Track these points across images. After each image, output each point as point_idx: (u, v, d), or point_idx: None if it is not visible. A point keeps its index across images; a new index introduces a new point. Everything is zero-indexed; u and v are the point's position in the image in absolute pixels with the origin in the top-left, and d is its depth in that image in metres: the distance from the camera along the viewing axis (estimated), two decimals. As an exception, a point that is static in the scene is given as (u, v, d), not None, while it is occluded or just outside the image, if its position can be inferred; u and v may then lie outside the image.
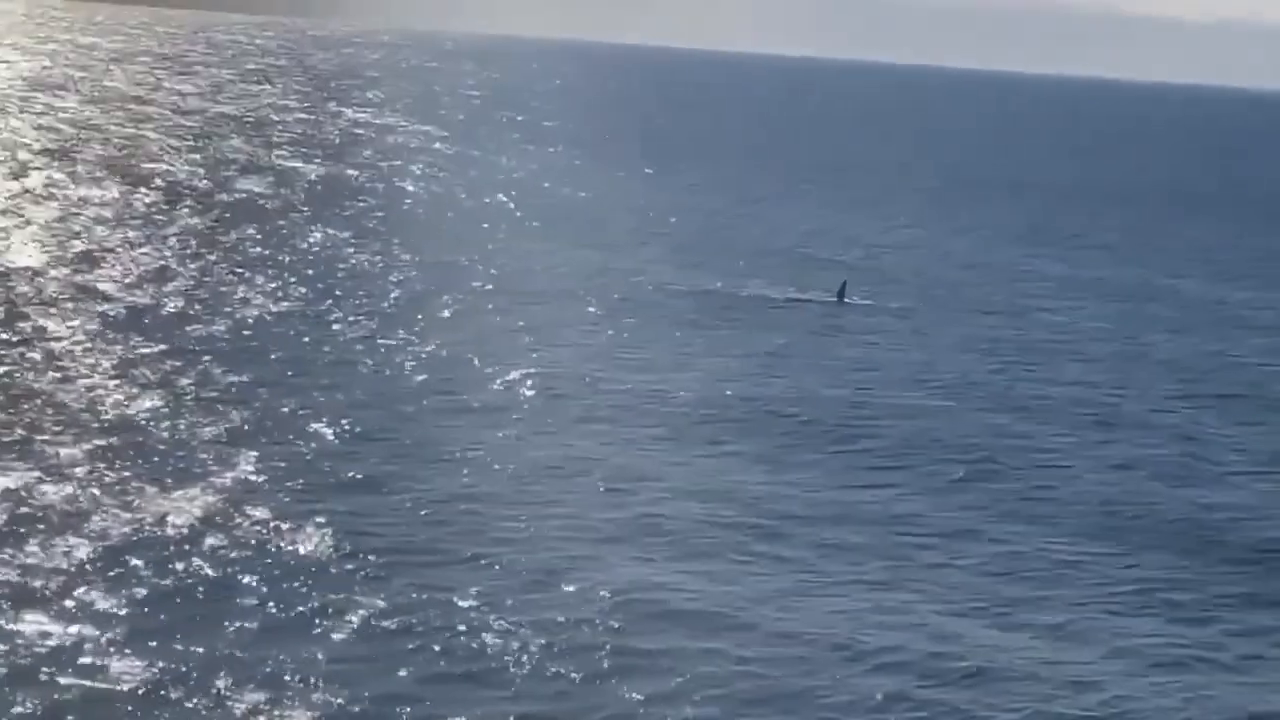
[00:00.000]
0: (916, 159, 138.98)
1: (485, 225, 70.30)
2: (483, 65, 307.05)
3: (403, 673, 22.84)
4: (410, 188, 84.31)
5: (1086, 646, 25.89)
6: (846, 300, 57.02)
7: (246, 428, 34.00)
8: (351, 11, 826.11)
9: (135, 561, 25.78)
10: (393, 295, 51.49)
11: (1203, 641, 26.58)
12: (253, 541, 27.16)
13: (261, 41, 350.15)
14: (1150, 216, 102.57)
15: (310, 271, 54.31)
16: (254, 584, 25.36)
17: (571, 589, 26.40)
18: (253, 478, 30.63)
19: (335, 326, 45.93)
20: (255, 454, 32.01)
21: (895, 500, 33.45)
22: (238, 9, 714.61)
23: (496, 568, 27.14)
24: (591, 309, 52.55)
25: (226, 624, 23.76)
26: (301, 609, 24.57)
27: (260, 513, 28.47)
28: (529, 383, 40.52)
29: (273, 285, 50.88)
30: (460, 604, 25.26)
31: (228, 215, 65.95)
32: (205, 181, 76.63)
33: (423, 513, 29.72)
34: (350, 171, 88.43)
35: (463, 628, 24.40)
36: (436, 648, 23.74)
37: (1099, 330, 56.24)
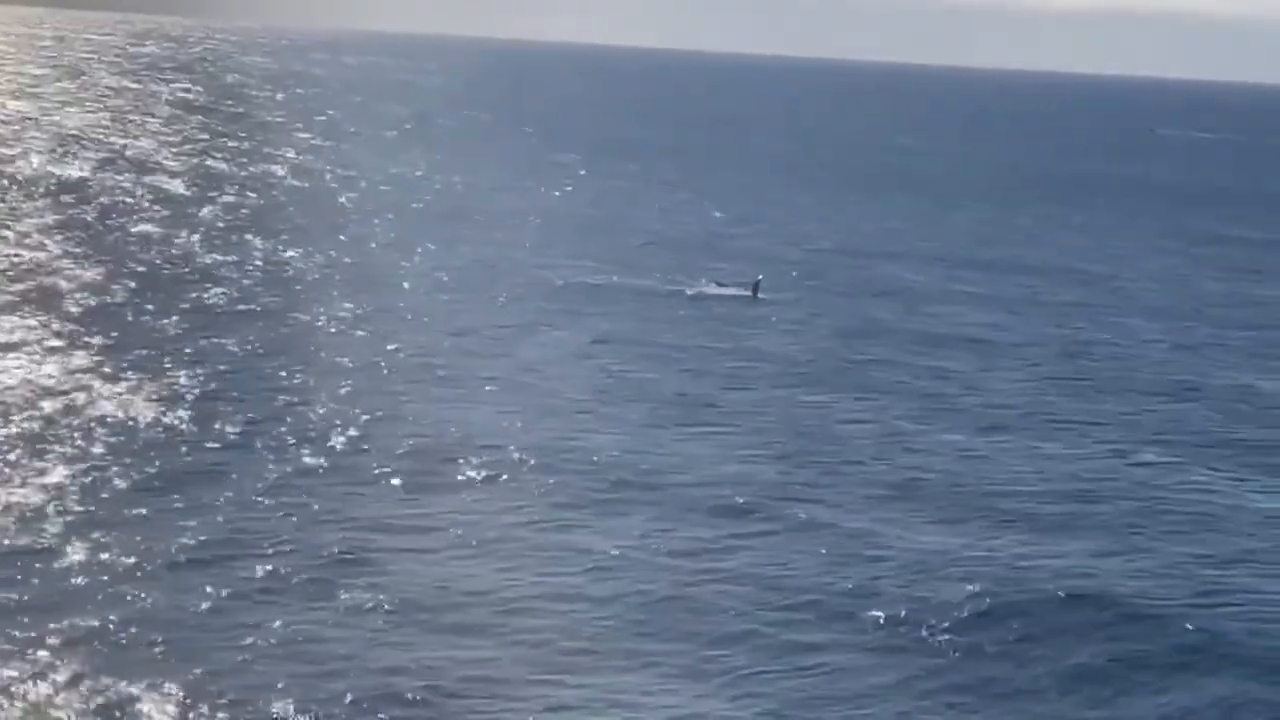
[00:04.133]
0: (835, 154, 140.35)
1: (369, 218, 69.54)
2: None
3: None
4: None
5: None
6: (760, 296, 56.85)
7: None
8: (224, 10, 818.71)
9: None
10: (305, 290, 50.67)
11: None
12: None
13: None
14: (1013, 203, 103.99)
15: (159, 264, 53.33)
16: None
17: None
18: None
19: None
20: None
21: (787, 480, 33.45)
22: (100, 6, 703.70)
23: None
24: (493, 301, 52.14)
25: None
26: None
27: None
28: (401, 368, 40.49)
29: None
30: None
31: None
32: None
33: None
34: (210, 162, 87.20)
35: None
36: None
37: (1004, 320, 56.41)
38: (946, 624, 25.09)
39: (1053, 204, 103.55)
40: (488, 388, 39.54)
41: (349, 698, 21.41)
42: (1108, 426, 40.35)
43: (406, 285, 53.79)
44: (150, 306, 46.47)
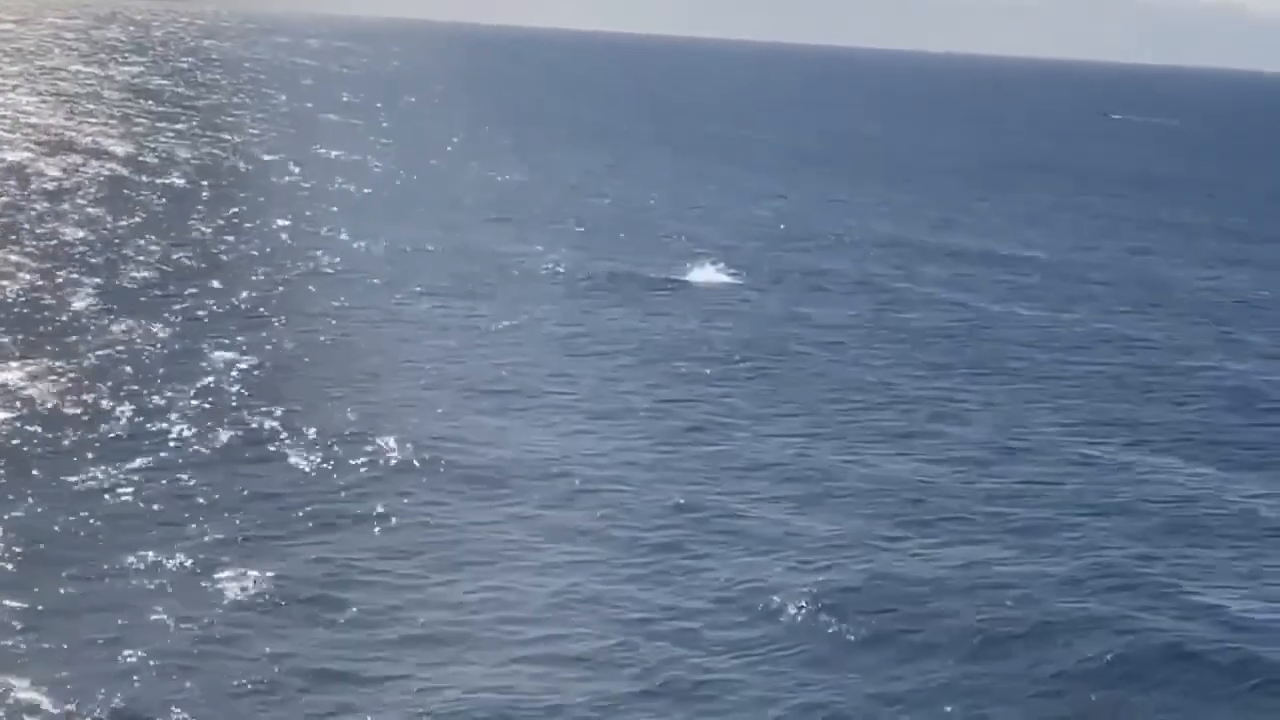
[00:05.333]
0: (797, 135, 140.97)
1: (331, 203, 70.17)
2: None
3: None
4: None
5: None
6: (740, 280, 58.13)
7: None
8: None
9: None
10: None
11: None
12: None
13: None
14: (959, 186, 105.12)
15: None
16: None
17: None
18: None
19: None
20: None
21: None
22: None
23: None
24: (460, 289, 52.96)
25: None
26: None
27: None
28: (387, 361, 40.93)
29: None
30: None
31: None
32: None
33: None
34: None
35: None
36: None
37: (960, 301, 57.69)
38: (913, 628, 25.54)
39: (991, 189, 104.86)
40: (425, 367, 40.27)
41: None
42: (1041, 413, 41.24)
43: (347, 275, 54.09)
44: (75, 289, 47.18)
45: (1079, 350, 50.38)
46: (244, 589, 25.12)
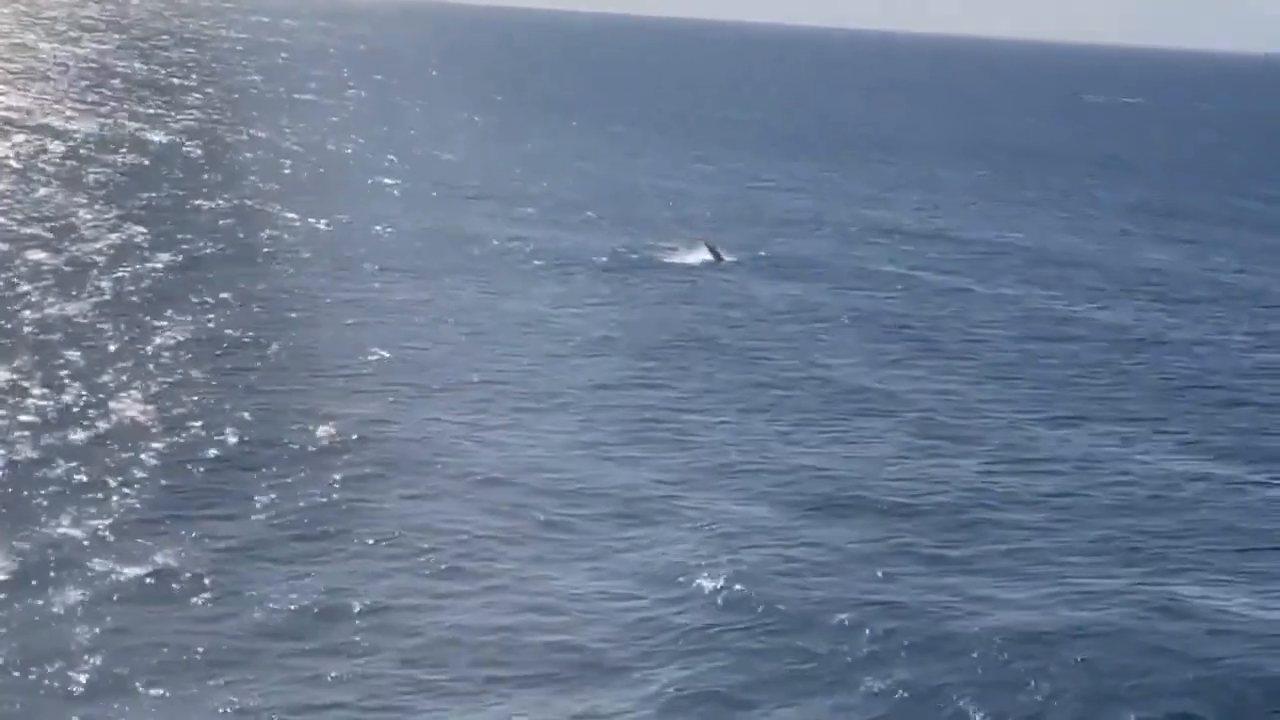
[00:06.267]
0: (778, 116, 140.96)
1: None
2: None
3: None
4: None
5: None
6: (724, 259, 58.52)
7: None
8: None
9: None
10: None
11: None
12: None
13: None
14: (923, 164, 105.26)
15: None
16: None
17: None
18: None
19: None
20: None
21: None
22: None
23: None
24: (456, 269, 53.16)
25: None
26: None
27: None
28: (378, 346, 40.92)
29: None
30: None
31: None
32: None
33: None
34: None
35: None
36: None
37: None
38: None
39: (951, 169, 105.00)
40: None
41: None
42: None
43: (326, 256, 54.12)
44: (10, 266, 47.07)
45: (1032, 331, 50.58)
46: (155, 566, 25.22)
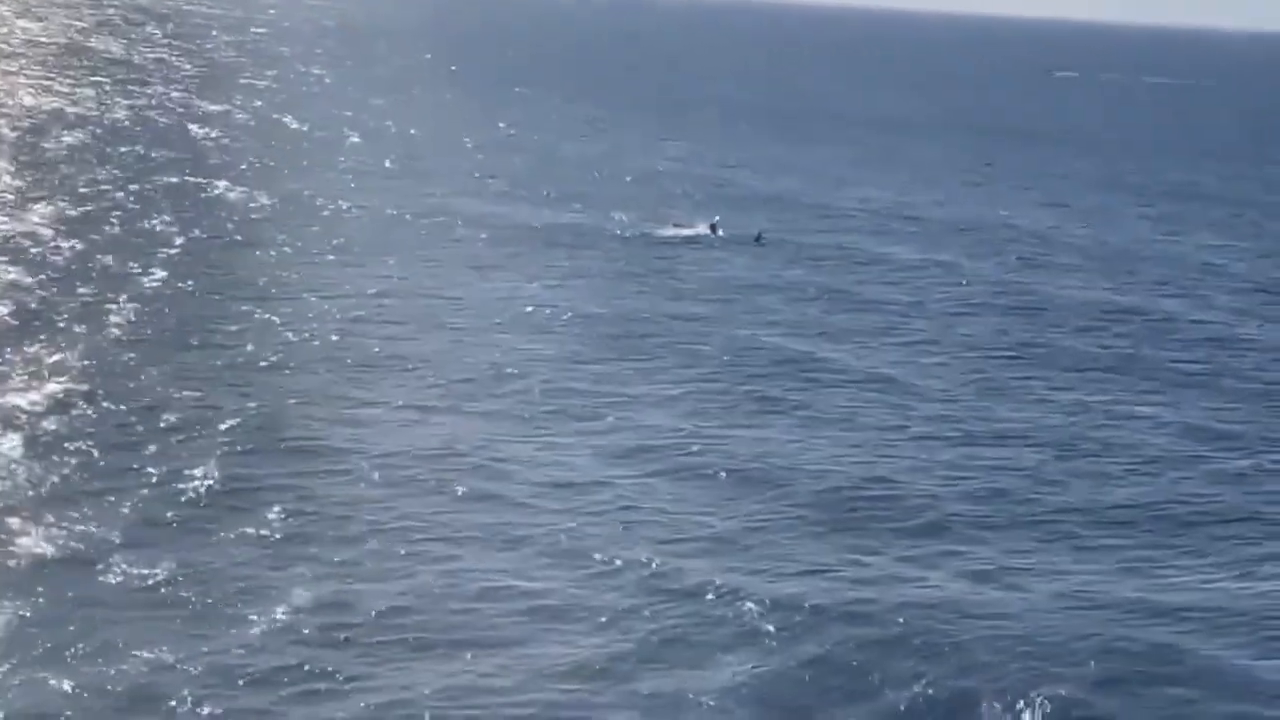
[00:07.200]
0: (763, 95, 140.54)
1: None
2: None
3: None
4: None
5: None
6: (720, 234, 59.28)
7: None
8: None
9: None
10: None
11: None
12: None
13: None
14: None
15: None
16: None
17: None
18: None
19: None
20: None
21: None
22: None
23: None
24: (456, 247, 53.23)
25: None
26: None
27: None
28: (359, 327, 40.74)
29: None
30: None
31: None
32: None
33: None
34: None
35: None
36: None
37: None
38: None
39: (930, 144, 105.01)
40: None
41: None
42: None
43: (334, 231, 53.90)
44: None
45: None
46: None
